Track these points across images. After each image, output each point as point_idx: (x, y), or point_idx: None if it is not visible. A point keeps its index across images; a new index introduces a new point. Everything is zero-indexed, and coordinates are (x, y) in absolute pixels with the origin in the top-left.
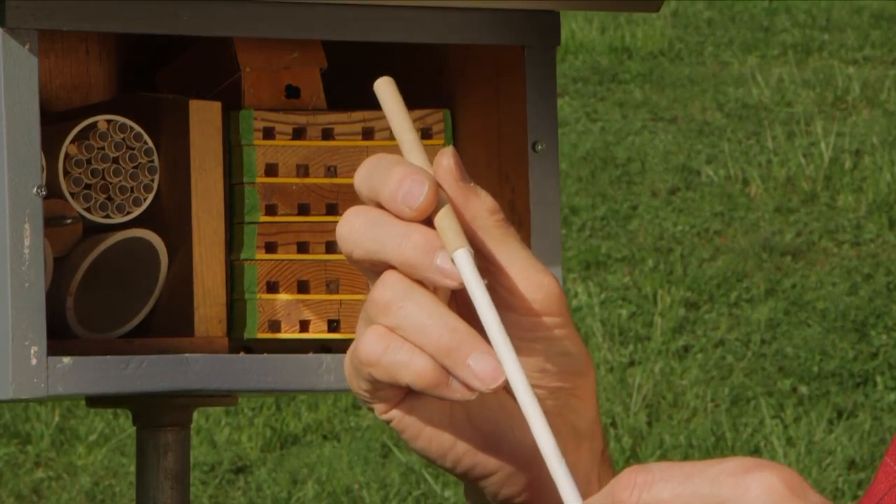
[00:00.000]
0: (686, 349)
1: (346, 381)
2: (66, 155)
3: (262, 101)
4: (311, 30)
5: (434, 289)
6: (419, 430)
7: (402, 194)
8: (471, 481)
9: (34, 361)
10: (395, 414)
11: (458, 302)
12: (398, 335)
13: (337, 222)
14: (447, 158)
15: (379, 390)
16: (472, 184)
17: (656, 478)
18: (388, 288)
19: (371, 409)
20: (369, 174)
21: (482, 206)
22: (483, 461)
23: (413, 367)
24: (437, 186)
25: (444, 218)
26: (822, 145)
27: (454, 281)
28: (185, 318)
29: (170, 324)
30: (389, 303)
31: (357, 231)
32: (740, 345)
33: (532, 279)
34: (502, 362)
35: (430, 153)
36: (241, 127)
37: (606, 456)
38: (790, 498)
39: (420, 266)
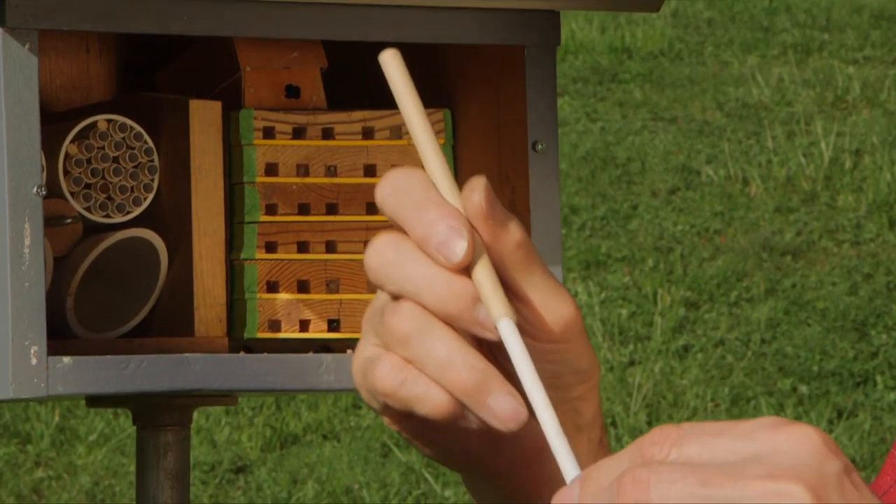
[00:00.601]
0: (686, 349)
1: (344, 379)
2: (66, 154)
3: (262, 101)
4: (311, 29)
5: None
6: (428, 440)
7: (437, 243)
8: (476, 479)
9: (34, 361)
10: (404, 426)
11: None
12: (415, 367)
13: (337, 222)
14: (478, 194)
15: (389, 408)
16: (501, 214)
17: (686, 434)
18: (407, 319)
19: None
20: (395, 196)
21: (510, 241)
22: (490, 463)
23: (430, 402)
24: (473, 233)
25: (483, 277)
26: (822, 145)
27: (494, 335)
28: (185, 318)
29: (170, 323)
30: (409, 335)
31: (389, 265)
32: (740, 344)
33: (551, 309)
34: (550, 442)
35: None
36: (241, 126)
37: (605, 442)
38: (827, 453)
39: (461, 319)
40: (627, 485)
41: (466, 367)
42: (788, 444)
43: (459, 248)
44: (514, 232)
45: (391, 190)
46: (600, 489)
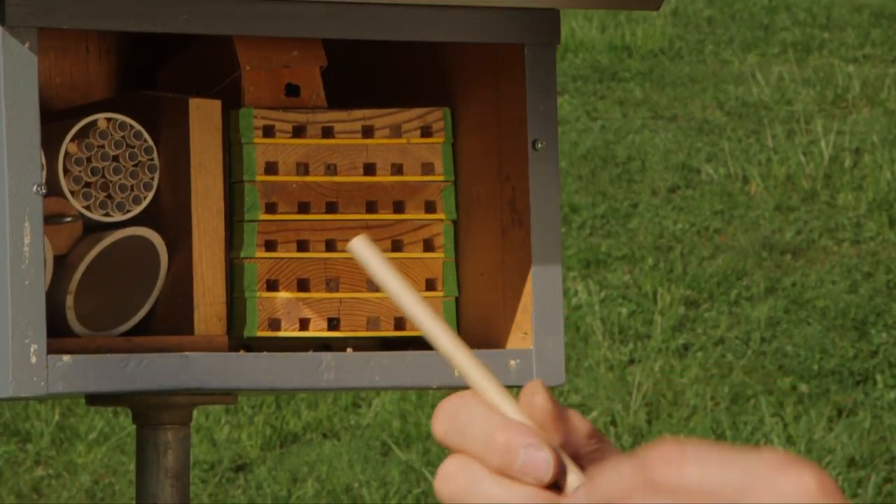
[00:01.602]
0: (686, 347)
1: (344, 377)
2: (66, 153)
3: (262, 100)
4: (310, 28)
5: None
6: None
7: (521, 465)
8: None
9: (34, 360)
10: None
11: None
12: None
13: (337, 220)
14: (541, 397)
15: None
16: (564, 411)
17: (689, 458)
18: None
19: None
20: (455, 431)
21: (581, 434)
22: None
23: None
24: (549, 442)
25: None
26: (822, 143)
27: None
28: (184, 317)
29: (170, 322)
30: None
31: (466, 493)
32: (740, 343)
33: None
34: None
35: (432, 153)
36: (240, 125)
37: None
38: (820, 500)
39: None
40: None
41: None
42: (783, 487)
43: (546, 466)
44: (581, 424)
45: (449, 426)
46: (606, 496)
